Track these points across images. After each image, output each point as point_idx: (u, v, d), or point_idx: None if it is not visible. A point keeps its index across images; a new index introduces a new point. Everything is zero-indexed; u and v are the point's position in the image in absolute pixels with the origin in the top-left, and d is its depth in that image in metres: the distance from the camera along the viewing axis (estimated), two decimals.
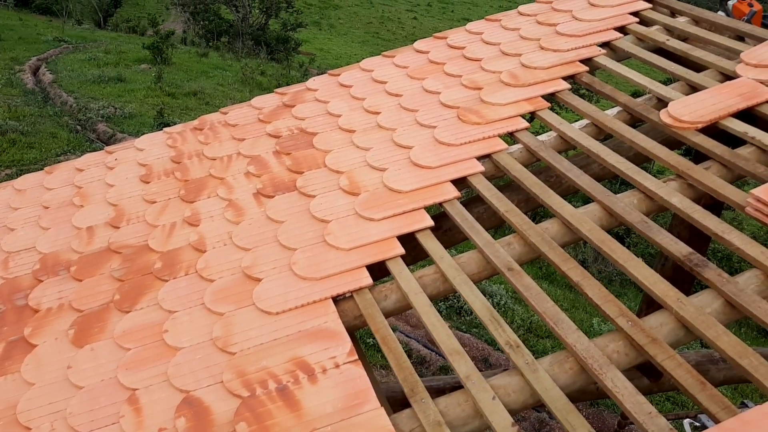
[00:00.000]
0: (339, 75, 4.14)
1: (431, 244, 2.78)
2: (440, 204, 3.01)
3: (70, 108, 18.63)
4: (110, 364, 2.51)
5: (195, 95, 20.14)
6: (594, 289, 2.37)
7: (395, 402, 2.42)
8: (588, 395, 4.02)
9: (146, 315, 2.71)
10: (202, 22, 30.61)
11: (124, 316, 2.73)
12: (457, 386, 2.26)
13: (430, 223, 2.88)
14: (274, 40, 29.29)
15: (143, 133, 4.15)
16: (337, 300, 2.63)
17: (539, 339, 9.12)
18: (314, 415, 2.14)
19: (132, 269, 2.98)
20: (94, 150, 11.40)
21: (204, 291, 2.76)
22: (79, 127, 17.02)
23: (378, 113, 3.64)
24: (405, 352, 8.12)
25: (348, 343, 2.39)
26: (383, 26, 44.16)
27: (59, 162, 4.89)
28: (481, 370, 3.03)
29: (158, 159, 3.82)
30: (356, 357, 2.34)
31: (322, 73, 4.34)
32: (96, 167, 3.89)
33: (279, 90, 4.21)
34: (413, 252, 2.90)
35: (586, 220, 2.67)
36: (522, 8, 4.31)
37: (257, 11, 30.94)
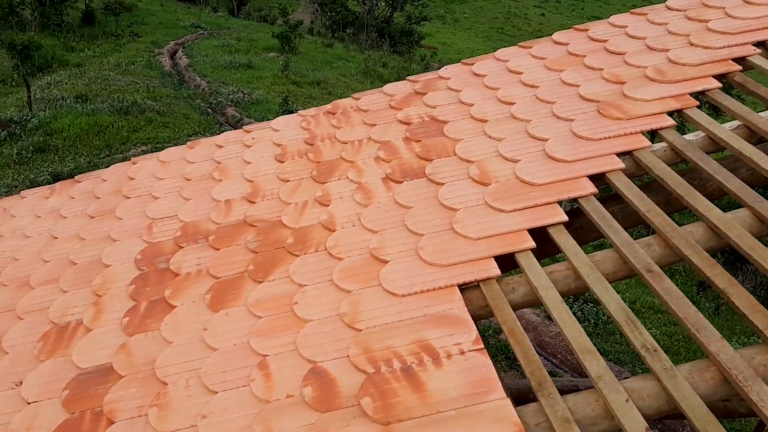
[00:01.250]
0: (473, 64, 4.10)
1: (564, 240, 2.70)
2: (574, 199, 2.93)
3: (202, 91, 19.62)
4: (243, 330, 2.62)
5: (318, 84, 20.67)
6: (742, 298, 2.22)
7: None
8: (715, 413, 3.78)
9: (278, 286, 2.80)
10: (329, 13, 31.35)
11: (257, 285, 2.84)
12: (574, 389, 2.19)
13: (564, 217, 2.80)
14: (398, 33, 29.54)
15: (268, 119, 4.29)
16: (462, 288, 2.61)
17: None
18: (438, 398, 2.14)
19: (266, 242, 3.10)
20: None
21: (332, 268, 2.82)
22: (209, 110, 17.90)
23: (512, 104, 3.58)
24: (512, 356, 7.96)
25: (474, 331, 2.37)
26: (508, 22, 43.51)
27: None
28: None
29: (292, 140, 3.94)
30: (482, 345, 2.32)
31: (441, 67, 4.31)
32: (234, 144, 4.06)
33: (411, 78, 4.23)
34: (542, 247, 2.83)
35: (734, 225, 2.51)
36: (670, 3, 4.10)
37: (383, 3, 31.31)
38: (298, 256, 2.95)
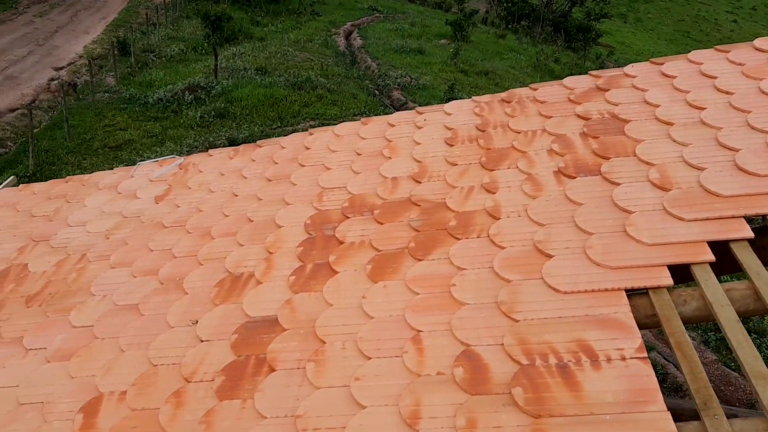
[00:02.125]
0: (662, 64, 3.89)
1: (747, 257, 2.51)
2: (763, 217, 2.71)
3: (372, 73, 20.15)
4: (399, 303, 2.69)
5: (486, 75, 20.52)
6: None
7: None
8: None
9: (437, 266, 2.84)
10: (505, 4, 30.95)
11: (416, 262, 2.89)
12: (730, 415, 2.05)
13: (750, 234, 2.60)
14: (574, 29, 28.60)
15: (431, 105, 4.31)
16: (629, 293, 2.51)
17: None
18: (593, 400, 2.09)
19: (428, 222, 3.15)
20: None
21: (494, 255, 2.81)
22: (376, 92, 18.36)
23: (703, 108, 3.36)
24: (660, 375, 7.55)
25: (638, 338, 2.28)
26: (696, 26, 40.71)
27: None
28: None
29: (464, 125, 3.95)
30: (645, 354, 2.22)
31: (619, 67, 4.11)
32: (406, 124, 4.15)
33: (593, 72, 4.09)
34: (720, 262, 2.65)
35: None
36: None
37: None
38: (459, 239, 2.97)
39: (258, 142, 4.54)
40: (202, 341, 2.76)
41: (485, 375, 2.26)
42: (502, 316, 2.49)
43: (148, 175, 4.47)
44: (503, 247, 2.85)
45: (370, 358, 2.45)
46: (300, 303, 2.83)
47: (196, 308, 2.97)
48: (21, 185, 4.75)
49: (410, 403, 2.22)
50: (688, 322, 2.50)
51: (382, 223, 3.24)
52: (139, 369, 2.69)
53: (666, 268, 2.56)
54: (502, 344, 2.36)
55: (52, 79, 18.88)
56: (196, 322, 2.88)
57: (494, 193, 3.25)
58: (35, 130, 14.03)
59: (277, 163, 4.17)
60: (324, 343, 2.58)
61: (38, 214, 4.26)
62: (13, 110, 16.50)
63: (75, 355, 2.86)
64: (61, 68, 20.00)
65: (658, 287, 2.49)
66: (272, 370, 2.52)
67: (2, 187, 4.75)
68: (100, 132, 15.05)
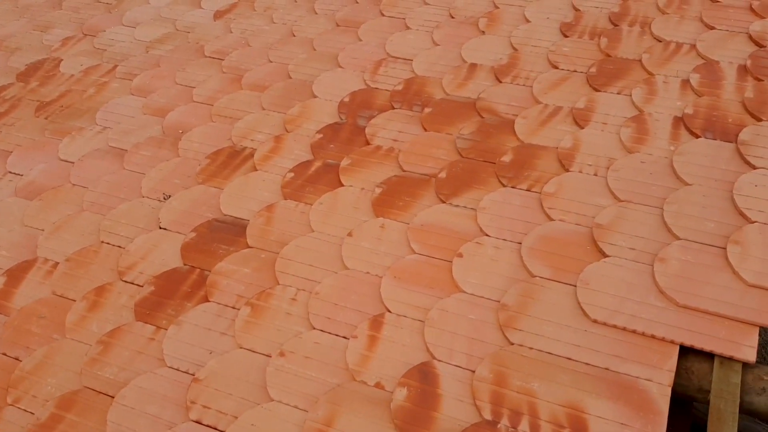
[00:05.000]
0: None
1: None
2: None
3: None
4: (386, 258, 2.08)
5: None
6: None
7: None
8: None
9: (456, 217, 2.16)
10: None
11: (435, 204, 2.23)
12: None
13: None
14: None
15: None
16: (685, 350, 1.74)
17: None
18: None
19: (479, 146, 2.41)
20: None
21: (533, 226, 2.08)
22: None
23: None
24: None
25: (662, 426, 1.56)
26: None
27: None
28: None
29: (596, 7, 2.94)
30: None
31: None
32: None
33: None
34: None
35: None
36: None
37: None
38: (503, 185, 2.22)
39: None
40: (160, 228, 2.31)
41: (429, 412, 1.66)
42: (494, 328, 1.82)
43: None
44: (551, 218, 2.08)
45: (313, 329, 1.91)
46: (281, 214, 2.28)
47: (176, 179, 2.50)
48: None
49: (321, 418, 1.69)
50: (757, 416, 1.72)
51: (426, 130, 2.52)
52: (84, 240, 2.32)
53: (757, 331, 1.73)
54: (473, 373, 1.72)
55: None
56: (167, 197, 2.42)
57: (582, 126, 2.39)
58: None
59: (357, 3, 3.39)
60: (277, 283, 2.05)
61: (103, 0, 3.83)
62: None
63: (39, 197, 2.52)
64: None
65: (732, 359, 1.69)
66: (206, 299, 2.05)
67: None
68: None
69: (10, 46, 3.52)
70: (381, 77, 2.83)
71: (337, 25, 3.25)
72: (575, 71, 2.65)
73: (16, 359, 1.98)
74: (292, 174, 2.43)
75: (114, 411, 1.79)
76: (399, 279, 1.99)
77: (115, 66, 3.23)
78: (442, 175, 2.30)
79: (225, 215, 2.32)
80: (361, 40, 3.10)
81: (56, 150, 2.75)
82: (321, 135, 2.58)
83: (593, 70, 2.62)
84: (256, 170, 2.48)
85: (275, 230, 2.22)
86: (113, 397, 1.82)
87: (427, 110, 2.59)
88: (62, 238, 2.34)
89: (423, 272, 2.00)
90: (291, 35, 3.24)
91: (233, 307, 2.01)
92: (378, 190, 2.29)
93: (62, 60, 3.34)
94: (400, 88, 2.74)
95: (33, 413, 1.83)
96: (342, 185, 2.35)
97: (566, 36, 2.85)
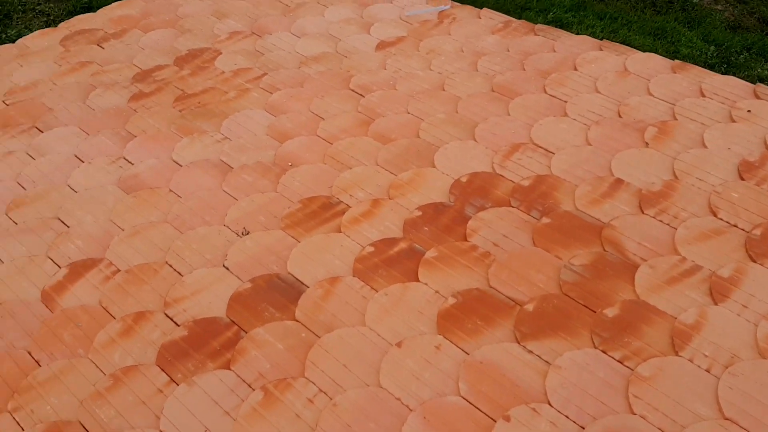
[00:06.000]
0: None
1: None
2: None
3: None
4: None
5: None
6: None
7: None
8: None
9: None
10: None
11: None
12: None
13: None
14: None
15: None
16: None
17: None
18: None
19: None
20: None
21: None
22: None
23: None
24: None
25: None
26: None
27: None
28: None
29: None
30: None
31: None
32: None
33: None
34: None
35: None
36: None
37: None
38: None
39: None
40: (223, 266, 2.20)
41: None
42: None
43: (406, 7, 3.70)
44: (631, 410, 1.70)
45: None
46: (342, 291, 2.08)
47: (261, 216, 2.38)
48: None
49: None
50: None
51: (535, 244, 2.20)
52: (151, 255, 2.26)
53: None
54: None
55: None
56: (246, 233, 2.31)
57: (717, 302, 1.97)
58: None
59: (524, 70, 3.10)
60: (302, 375, 1.86)
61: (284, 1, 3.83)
62: None
63: (135, 194, 2.51)
64: None
65: None
66: (228, 365, 1.89)
67: None
68: None
69: (184, 26, 3.61)
70: (512, 164, 2.53)
71: (492, 90, 2.98)
72: (736, 226, 2.20)
73: (37, 363, 1.94)
74: (372, 248, 2.21)
75: None
76: (427, 422, 1.71)
77: (264, 74, 3.19)
78: (529, 307, 1.98)
79: (288, 273, 2.16)
80: (509, 114, 2.82)
81: (172, 148, 2.74)
82: (420, 213, 2.34)
83: (757, 232, 2.16)
84: (340, 231, 2.30)
85: (328, 309, 2.03)
86: None
87: (545, 220, 2.27)
88: (134, 245, 2.30)
89: (456, 424, 1.70)
90: (440, 88, 3.02)
91: (250, 385, 1.84)
92: (451, 301, 2.01)
93: (221, 54, 3.36)
94: (526, 183, 2.43)
95: (23, 429, 1.77)
96: (417, 280, 2.10)
97: (742, 178, 2.38)
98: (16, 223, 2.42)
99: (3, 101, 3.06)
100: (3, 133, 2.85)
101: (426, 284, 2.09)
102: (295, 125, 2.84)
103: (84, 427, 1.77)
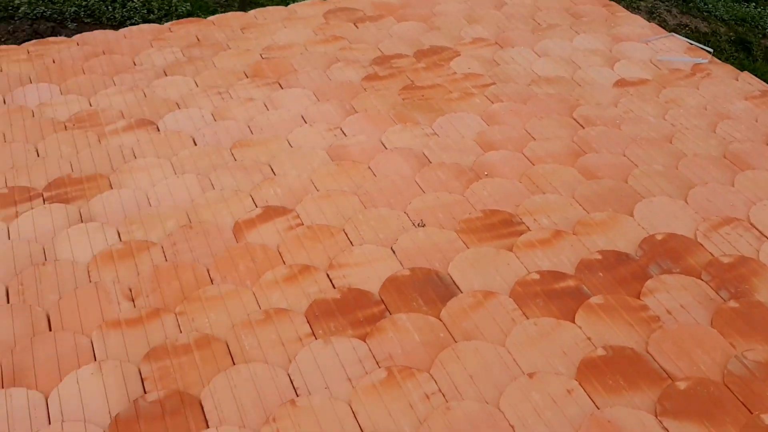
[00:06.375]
0: None
1: None
2: None
3: None
4: None
5: None
6: None
7: None
8: None
9: None
10: None
11: None
12: None
13: None
14: None
15: None
16: None
17: None
18: None
19: None
20: None
21: None
22: None
23: None
24: None
25: None
26: None
27: None
28: None
29: None
30: None
31: None
32: None
33: None
34: None
35: None
36: None
37: None
38: None
39: None
40: (391, 249, 2.28)
41: None
42: None
43: (660, 52, 3.53)
44: None
45: None
46: (493, 310, 2.05)
47: (440, 213, 2.43)
48: None
49: None
50: None
51: (712, 324, 2.01)
52: (333, 219, 2.41)
53: None
54: None
55: None
56: (422, 225, 2.38)
57: None
58: None
59: (767, 145, 2.83)
60: None
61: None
62: None
63: (337, 162, 2.69)
64: None
65: None
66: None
67: None
68: None
69: (434, 23, 3.76)
70: (717, 237, 2.33)
71: (724, 156, 2.76)
72: None
73: (211, 281, 2.17)
74: (537, 276, 2.17)
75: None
76: None
77: (492, 83, 3.23)
78: (681, 384, 1.83)
79: (447, 274, 2.19)
80: (733, 186, 2.59)
81: (384, 131, 2.88)
82: (600, 257, 2.24)
83: None
84: (511, 251, 2.27)
85: (473, 319, 2.03)
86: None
87: (732, 303, 2.06)
88: (321, 206, 2.47)
89: None
90: (668, 140, 2.86)
91: (378, 362, 1.90)
92: (600, 352, 1.92)
93: (459, 56, 3.46)
94: (726, 260, 2.22)
95: (180, 332, 1.99)
96: (572, 321, 2.02)
97: None
98: (236, 160, 2.70)
99: (260, 54, 3.42)
100: (251, 81, 3.20)
101: (580, 328, 2.00)
102: (504, 138, 2.84)
103: (228, 347, 1.95)
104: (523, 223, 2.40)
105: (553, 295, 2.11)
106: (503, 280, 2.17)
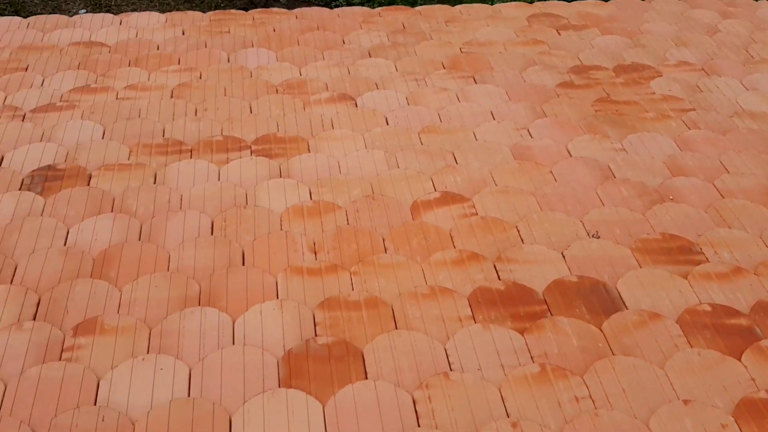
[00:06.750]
0: None
1: None
2: None
3: None
4: None
5: None
6: None
7: None
8: None
9: None
10: None
11: None
12: None
13: None
14: None
15: None
16: None
17: None
18: None
19: None
20: None
21: None
22: None
23: None
24: None
25: None
26: None
27: None
28: None
29: None
30: None
31: None
32: None
33: None
34: None
35: None
36: None
37: None
38: None
39: None
40: (561, 254, 2.32)
41: None
42: None
43: None
44: None
45: None
46: (655, 331, 2.03)
47: (612, 219, 2.42)
48: None
49: None
50: None
51: None
52: (504, 213, 2.48)
53: None
54: None
55: None
56: (597, 236, 2.38)
57: None
58: None
59: None
60: None
61: None
62: None
63: (520, 162, 2.75)
64: None
65: None
66: None
67: None
68: None
69: (639, 40, 3.67)
70: None
71: None
72: None
73: (385, 249, 2.32)
74: (709, 308, 2.11)
75: None
76: None
77: (692, 110, 3.12)
78: None
79: (615, 288, 2.18)
80: None
81: (571, 138, 2.89)
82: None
83: None
84: (686, 279, 2.22)
85: (634, 337, 2.02)
86: None
87: None
88: (498, 200, 2.54)
89: None
90: None
91: (532, 357, 1.95)
92: (764, 395, 1.84)
93: (660, 76, 3.37)
94: None
95: (353, 289, 2.16)
96: (739, 359, 1.95)
97: None
98: (422, 144, 2.84)
99: (460, 48, 3.54)
100: (447, 72, 3.33)
101: (746, 367, 1.93)
102: (696, 167, 2.76)
103: (393, 312, 2.09)
104: (703, 253, 2.33)
105: (723, 330, 2.05)
106: (672, 305, 2.13)
